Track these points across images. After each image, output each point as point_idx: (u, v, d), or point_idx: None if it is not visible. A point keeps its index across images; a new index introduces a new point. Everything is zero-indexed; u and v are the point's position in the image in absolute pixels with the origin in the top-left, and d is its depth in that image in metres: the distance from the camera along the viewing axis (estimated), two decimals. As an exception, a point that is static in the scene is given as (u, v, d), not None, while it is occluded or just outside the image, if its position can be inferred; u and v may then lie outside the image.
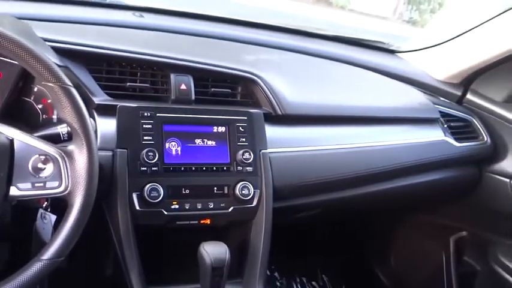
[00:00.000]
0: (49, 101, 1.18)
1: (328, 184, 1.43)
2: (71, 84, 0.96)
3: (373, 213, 1.92)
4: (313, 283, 2.01)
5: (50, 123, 1.18)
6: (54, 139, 1.06)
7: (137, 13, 1.59)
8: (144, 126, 1.19)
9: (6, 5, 1.42)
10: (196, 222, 1.23)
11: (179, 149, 1.22)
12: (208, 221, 1.24)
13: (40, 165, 0.96)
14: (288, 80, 1.44)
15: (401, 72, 1.78)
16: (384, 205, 1.75)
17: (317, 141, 1.42)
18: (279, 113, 1.36)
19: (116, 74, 1.27)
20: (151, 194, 1.15)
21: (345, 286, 2.04)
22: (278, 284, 1.93)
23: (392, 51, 1.93)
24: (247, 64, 1.40)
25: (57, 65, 0.98)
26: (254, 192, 1.25)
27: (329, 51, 1.72)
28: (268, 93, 1.36)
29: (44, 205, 1.15)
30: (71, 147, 0.98)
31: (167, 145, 1.20)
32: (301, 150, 1.39)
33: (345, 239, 2.12)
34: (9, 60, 1.12)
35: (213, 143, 1.25)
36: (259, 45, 1.63)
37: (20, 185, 0.95)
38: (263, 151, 1.29)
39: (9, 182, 0.95)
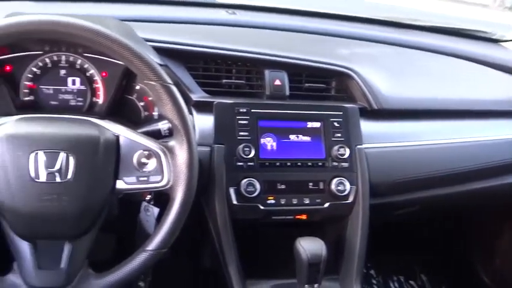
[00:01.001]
0: (150, 98, 1.23)
1: (427, 181, 1.38)
2: (171, 82, 0.99)
3: (476, 211, 1.84)
4: (411, 282, 1.95)
5: (151, 120, 1.23)
6: (155, 135, 1.11)
7: (230, 10, 1.62)
8: (239, 122, 1.21)
9: (110, 7, 1.51)
10: (291, 217, 1.24)
11: (274, 144, 1.23)
12: (304, 217, 1.24)
13: (144, 160, 1.00)
14: (384, 74, 1.41)
15: (506, 62, 1.67)
16: (489, 202, 1.67)
17: (414, 136, 1.38)
18: (375, 107, 1.34)
19: (212, 71, 1.31)
20: (248, 189, 1.18)
21: (445, 286, 1.97)
22: (374, 282, 1.89)
23: (495, 41, 1.83)
24: (341, 58, 1.39)
25: (158, 64, 1.02)
26: (350, 188, 1.24)
27: (426, 43, 1.66)
28: (364, 88, 1.34)
29: (147, 198, 1.20)
30: (172, 142, 1.01)
31: (262, 140, 1.22)
32: (397, 146, 1.35)
33: (444, 237, 2.05)
34: (114, 61, 1.18)
35: (308, 138, 1.25)
36: (353, 38, 1.60)
37: (126, 179, 1.00)
38: (359, 146, 1.27)
39: (116, 176, 1.00)
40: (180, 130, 0.99)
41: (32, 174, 0.93)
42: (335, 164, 1.24)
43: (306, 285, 1.11)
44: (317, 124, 1.26)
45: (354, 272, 1.24)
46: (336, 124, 1.26)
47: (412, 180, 1.36)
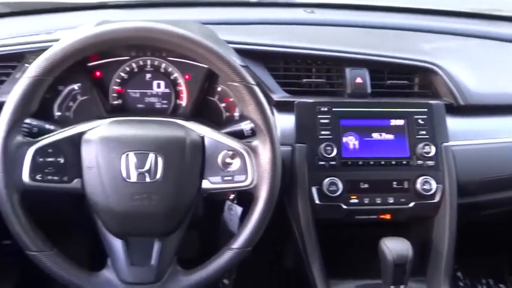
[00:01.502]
0: (231, 99, 1.24)
1: (517, 180, 1.32)
2: (254, 83, 1.01)
3: None
4: (501, 286, 1.87)
5: (232, 120, 1.24)
6: (238, 135, 1.12)
7: (308, 9, 1.62)
8: (321, 121, 1.21)
9: (190, 12, 1.55)
10: (375, 217, 1.22)
11: (356, 143, 1.22)
12: (388, 216, 1.22)
13: (228, 160, 1.02)
14: (470, 68, 1.37)
15: None
16: None
17: (503, 132, 1.33)
18: (461, 103, 1.30)
19: (293, 70, 1.31)
20: (330, 188, 1.17)
21: (537, 291, 1.88)
22: (461, 284, 1.83)
23: None
24: (424, 53, 1.36)
25: (240, 65, 1.04)
26: (436, 187, 1.21)
27: (510, 33, 1.60)
28: (449, 83, 1.30)
29: (231, 197, 1.21)
30: (255, 142, 1.03)
31: (344, 139, 1.21)
32: (486, 143, 1.30)
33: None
34: (197, 64, 1.20)
35: (391, 136, 1.23)
36: (434, 32, 1.57)
37: (211, 179, 1.03)
38: (445, 144, 1.24)
39: (201, 176, 1.03)
40: (263, 130, 1.00)
41: (124, 174, 0.98)
42: (420, 162, 1.22)
43: (392, 286, 1.10)
44: (400, 122, 1.23)
45: (442, 274, 1.21)
46: (420, 121, 1.23)
47: (501, 178, 1.32)
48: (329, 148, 1.18)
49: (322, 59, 1.31)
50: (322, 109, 1.21)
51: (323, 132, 1.20)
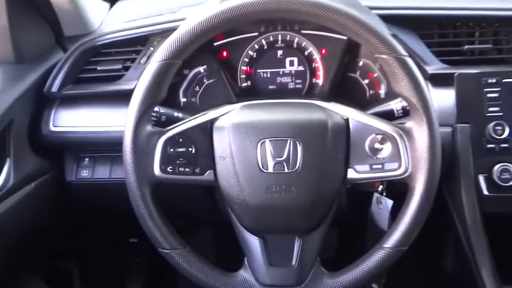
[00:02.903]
0: (375, 74, 1.23)
1: None
2: (406, 54, 0.97)
3: None
4: None
5: (378, 99, 1.23)
6: (388, 116, 1.10)
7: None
8: (488, 95, 1.15)
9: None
10: None
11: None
12: None
13: (377, 145, 1.00)
14: None
15: None
16: None
17: None
18: None
19: (450, 37, 1.27)
20: (502, 176, 1.12)
21: None
22: None
23: None
24: None
25: (389, 34, 1.00)
26: None
27: None
28: None
29: (379, 189, 1.19)
30: (409, 124, 1.00)
31: None
32: None
33: None
34: (334, 36, 1.20)
35: None
36: None
37: (357, 167, 1.01)
38: None
39: (346, 165, 1.01)
40: (418, 109, 0.97)
41: (260, 164, 0.99)
42: None
43: None
44: None
45: None
46: None
47: None
48: (499, 128, 1.13)
49: (488, 20, 1.25)
50: (490, 81, 1.15)
51: (491, 109, 1.15)
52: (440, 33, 1.26)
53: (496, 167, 1.13)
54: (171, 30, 1.03)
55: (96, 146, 1.27)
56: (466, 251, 1.17)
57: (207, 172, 1.03)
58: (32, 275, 1.47)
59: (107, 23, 1.42)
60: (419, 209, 0.98)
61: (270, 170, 0.99)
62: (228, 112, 1.05)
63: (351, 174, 1.02)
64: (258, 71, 1.26)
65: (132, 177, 1.00)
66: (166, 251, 1.03)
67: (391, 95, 1.16)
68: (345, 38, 1.20)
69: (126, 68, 1.27)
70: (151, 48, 1.26)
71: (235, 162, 1.00)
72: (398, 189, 1.03)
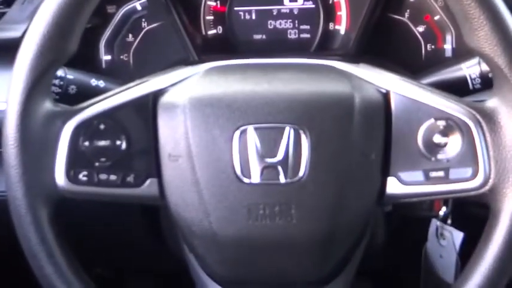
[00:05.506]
0: (436, 17, 1.17)
1: None
2: None
3: None
4: None
5: (441, 58, 1.16)
6: (457, 88, 0.99)
7: None
8: None
9: None
10: None
11: None
12: None
13: (438, 138, 0.87)
14: None
15: None
16: None
17: None
18: None
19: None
20: None
21: None
22: None
23: None
24: None
25: None
26: None
27: None
28: None
29: (442, 212, 1.13)
30: (493, 102, 0.87)
31: None
32: None
33: None
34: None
35: None
36: None
37: (404, 175, 0.88)
38: None
39: (384, 171, 0.88)
40: (509, 78, 0.84)
41: (237, 169, 0.85)
42: None
43: None
44: None
45: None
46: None
47: None
48: None
49: None
50: None
51: None
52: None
53: None
54: None
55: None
56: None
57: (147, 182, 0.90)
58: None
59: None
60: (508, 245, 0.85)
61: (255, 179, 0.85)
62: (183, 79, 0.93)
63: (393, 186, 0.89)
64: (236, 8, 1.19)
65: (18, 191, 0.88)
66: None
67: (463, 53, 1.07)
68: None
69: (8, 3, 1.20)
70: None
71: (196, 166, 0.87)
72: (473, 214, 0.95)
